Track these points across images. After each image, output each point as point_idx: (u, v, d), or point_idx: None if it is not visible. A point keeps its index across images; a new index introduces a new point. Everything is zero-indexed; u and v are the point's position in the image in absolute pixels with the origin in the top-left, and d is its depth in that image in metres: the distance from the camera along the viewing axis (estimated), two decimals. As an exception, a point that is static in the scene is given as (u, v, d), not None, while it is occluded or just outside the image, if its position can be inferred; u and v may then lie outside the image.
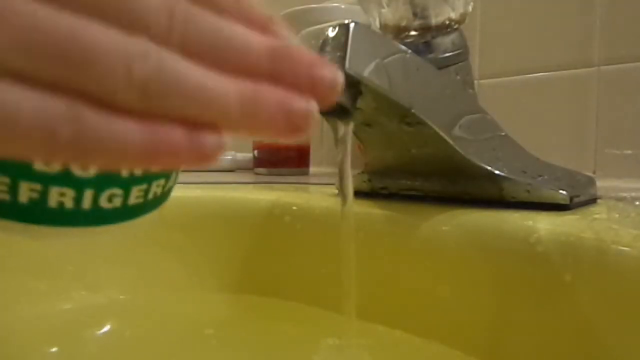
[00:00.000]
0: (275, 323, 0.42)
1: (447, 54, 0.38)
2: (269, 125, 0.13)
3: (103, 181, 0.17)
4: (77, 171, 0.16)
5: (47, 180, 0.16)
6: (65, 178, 0.16)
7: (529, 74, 0.55)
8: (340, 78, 0.14)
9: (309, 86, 0.13)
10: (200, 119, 0.13)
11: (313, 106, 0.13)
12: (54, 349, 0.38)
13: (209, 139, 0.13)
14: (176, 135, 0.12)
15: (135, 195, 0.18)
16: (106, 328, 0.42)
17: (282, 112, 0.13)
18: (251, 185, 0.57)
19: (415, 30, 0.38)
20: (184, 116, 0.12)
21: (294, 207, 0.45)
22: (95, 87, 0.11)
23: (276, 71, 0.13)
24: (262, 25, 0.14)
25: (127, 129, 0.12)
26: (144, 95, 0.12)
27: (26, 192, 0.16)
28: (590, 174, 0.40)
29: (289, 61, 0.13)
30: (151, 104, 0.12)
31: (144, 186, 0.18)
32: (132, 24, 0.12)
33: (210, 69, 0.13)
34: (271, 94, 0.13)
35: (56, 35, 0.11)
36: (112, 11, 0.12)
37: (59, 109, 0.11)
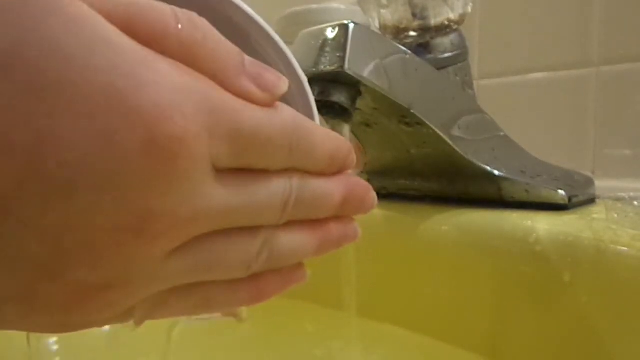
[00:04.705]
0: (275, 320, 0.43)
1: (446, 55, 0.38)
2: (326, 252, 0.19)
3: None
4: None
5: None
6: None
7: (528, 74, 0.55)
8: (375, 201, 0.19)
9: (358, 212, 0.19)
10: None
11: (358, 233, 0.19)
12: (52, 342, 0.38)
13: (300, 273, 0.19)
14: (276, 284, 0.18)
15: None
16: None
17: (340, 244, 0.19)
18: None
19: (415, 31, 0.38)
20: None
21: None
22: (225, 273, 0.16)
23: (342, 212, 0.18)
24: (341, 167, 0.18)
25: (241, 294, 0.17)
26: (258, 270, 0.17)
27: None
28: (589, 174, 0.40)
29: (352, 204, 0.18)
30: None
31: None
32: (254, 223, 0.16)
33: (300, 226, 0.17)
34: (335, 235, 0.18)
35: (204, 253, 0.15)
36: (244, 221, 0.15)
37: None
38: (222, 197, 0.14)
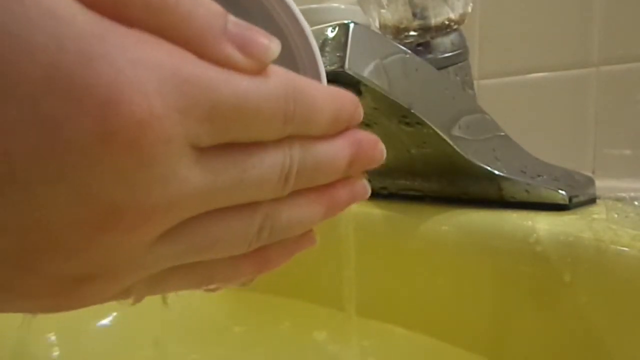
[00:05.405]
0: (276, 320, 0.42)
1: (447, 55, 0.38)
2: (333, 216, 0.17)
3: None
4: None
5: None
6: None
7: (529, 74, 0.55)
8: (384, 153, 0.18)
9: (367, 168, 0.18)
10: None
11: (367, 190, 0.18)
12: (53, 338, 0.38)
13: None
14: (282, 255, 0.17)
15: None
16: (107, 320, 0.42)
17: (349, 205, 0.17)
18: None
19: (415, 30, 0.38)
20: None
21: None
22: (224, 253, 0.15)
23: (350, 173, 0.17)
24: (347, 125, 0.17)
25: (245, 267, 0.16)
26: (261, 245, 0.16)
27: None
28: (589, 174, 0.40)
29: (361, 163, 0.17)
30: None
31: None
32: (252, 199, 0.15)
33: (306, 195, 0.16)
34: (343, 198, 0.17)
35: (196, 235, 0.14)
36: (239, 199, 0.14)
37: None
38: (204, 178, 0.13)
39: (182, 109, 0.12)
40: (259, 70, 0.13)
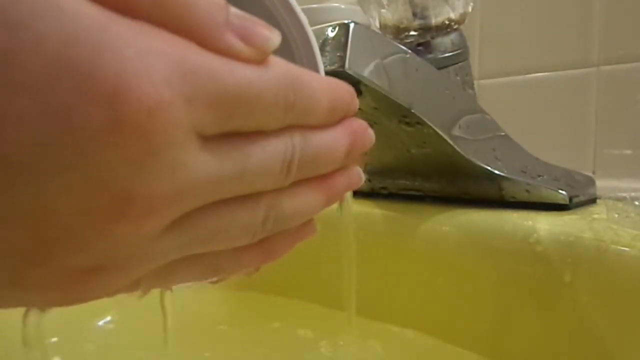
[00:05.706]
0: (276, 320, 0.42)
1: (447, 54, 0.38)
2: (332, 204, 0.18)
3: None
4: None
5: None
6: None
7: (529, 74, 0.55)
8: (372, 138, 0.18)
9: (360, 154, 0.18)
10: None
11: (362, 177, 0.18)
12: (53, 339, 0.38)
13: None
14: (285, 245, 0.17)
15: None
16: (107, 319, 0.42)
17: (346, 192, 0.18)
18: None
19: (415, 30, 0.38)
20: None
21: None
22: (229, 244, 0.15)
23: (347, 162, 0.17)
24: (344, 115, 0.17)
25: (250, 258, 0.17)
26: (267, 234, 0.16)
27: None
28: (589, 174, 0.40)
29: (357, 151, 0.17)
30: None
31: None
32: (256, 189, 0.15)
33: (307, 185, 0.16)
34: (342, 186, 0.17)
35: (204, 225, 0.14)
36: (243, 189, 0.14)
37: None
38: (210, 168, 0.13)
39: (188, 98, 0.12)
40: (260, 59, 0.14)
